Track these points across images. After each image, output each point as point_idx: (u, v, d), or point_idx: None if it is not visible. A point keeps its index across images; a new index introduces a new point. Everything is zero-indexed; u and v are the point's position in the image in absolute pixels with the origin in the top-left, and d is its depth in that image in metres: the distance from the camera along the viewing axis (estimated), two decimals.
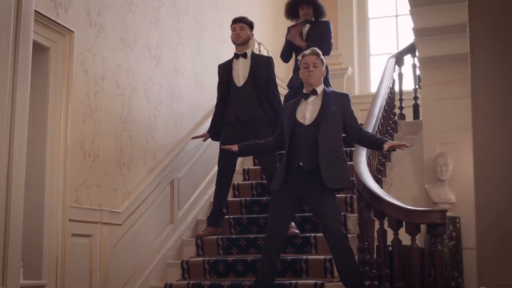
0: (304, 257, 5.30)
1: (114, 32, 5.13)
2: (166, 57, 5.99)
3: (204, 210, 6.34)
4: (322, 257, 5.26)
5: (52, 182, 4.31)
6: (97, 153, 4.84)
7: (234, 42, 5.86)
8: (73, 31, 4.52)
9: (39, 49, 4.26)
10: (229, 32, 6.01)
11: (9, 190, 2.95)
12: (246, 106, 5.71)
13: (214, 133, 5.91)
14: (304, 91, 4.83)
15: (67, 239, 4.37)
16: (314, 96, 4.76)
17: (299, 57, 4.87)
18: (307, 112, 4.73)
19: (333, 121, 4.67)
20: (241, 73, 5.80)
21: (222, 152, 5.68)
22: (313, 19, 6.68)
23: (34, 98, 4.12)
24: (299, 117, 4.74)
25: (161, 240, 5.62)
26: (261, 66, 5.79)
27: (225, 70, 5.86)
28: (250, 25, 5.88)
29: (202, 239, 5.78)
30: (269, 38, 8.50)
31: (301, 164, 4.65)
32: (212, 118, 5.96)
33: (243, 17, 5.90)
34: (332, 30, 6.73)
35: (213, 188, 6.13)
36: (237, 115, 5.72)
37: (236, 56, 5.85)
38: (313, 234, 5.54)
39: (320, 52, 4.81)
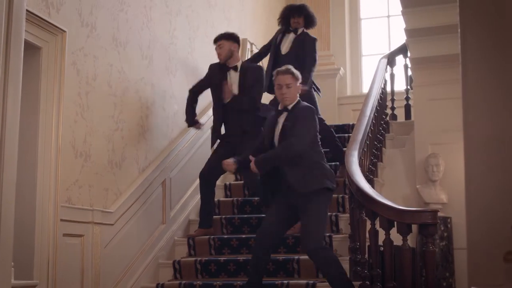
0: (296, 257, 5.30)
1: (106, 31, 5.12)
2: (158, 57, 5.98)
3: (196, 210, 6.33)
4: None
5: (44, 182, 4.30)
6: (88, 153, 4.83)
7: (219, 61, 5.86)
8: (65, 31, 4.51)
9: (30, 48, 4.25)
10: (222, 31, 6.01)
11: (0, 190, 2.94)
12: (241, 119, 5.70)
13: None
14: (279, 107, 4.83)
15: (58, 239, 4.35)
16: (286, 113, 4.76)
17: (274, 73, 4.84)
18: (276, 129, 4.76)
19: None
20: (233, 85, 5.79)
21: (214, 156, 5.75)
22: (302, 29, 6.61)
23: (26, 98, 4.10)
24: (274, 134, 4.77)
25: (153, 240, 5.61)
26: (251, 79, 5.76)
27: (217, 78, 5.82)
28: (228, 37, 5.82)
29: (194, 239, 5.78)
30: (261, 38, 8.49)
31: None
32: (186, 107, 5.95)
33: (219, 35, 5.88)
34: (317, 49, 6.57)
35: None
36: (231, 130, 5.76)
37: (227, 68, 5.84)
38: None
39: (294, 70, 4.77)
